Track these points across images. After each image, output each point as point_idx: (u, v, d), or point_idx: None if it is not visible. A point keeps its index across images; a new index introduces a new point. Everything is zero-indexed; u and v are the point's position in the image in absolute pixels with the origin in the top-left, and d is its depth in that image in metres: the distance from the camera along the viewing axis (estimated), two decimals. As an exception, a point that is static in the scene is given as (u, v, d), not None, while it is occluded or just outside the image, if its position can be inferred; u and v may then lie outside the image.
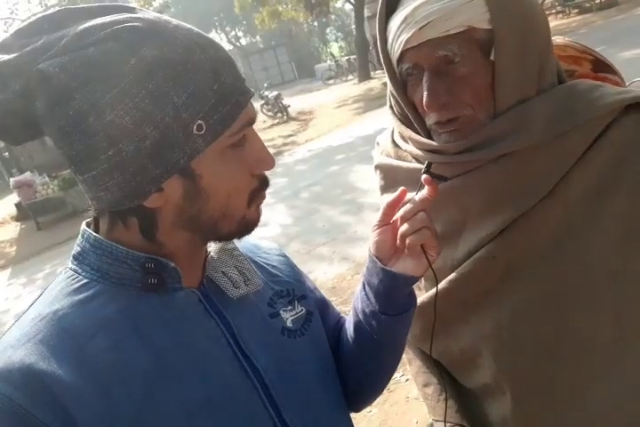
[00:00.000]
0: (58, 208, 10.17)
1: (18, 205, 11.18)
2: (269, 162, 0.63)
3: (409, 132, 0.84)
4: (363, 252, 4.31)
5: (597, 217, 0.75)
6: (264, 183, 0.65)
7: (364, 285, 0.76)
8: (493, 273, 0.80)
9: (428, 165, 0.74)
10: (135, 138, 0.54)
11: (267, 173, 0.65)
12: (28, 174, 10.73)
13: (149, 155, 0.55)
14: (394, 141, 0.93)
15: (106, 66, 0.53)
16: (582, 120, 0.73)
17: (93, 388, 0.55)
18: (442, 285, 0.83)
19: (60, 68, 0.53)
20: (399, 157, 0.91)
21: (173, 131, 0.55)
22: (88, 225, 0.65)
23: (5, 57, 0.56)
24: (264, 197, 0.66)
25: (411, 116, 0.83)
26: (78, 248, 0.64)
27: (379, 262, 0.72)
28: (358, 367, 0.81)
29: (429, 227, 0.70)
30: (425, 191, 0.71)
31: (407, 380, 2.62)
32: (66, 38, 0.55)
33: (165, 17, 0.59)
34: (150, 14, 0.59)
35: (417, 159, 0.86)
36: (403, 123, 0.86)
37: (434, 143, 0.80)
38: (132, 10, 0.59)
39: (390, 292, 0.72)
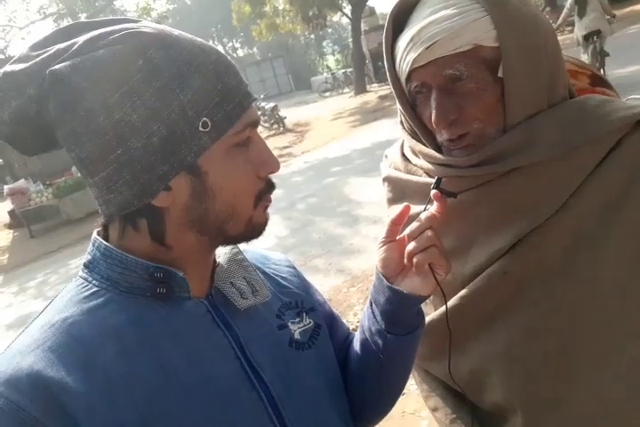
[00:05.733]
0: (52, 216, 10.12)
1: (11, 213, 11.11)
2: (274, 164, 0.65)
3: (420, 147, 0.84)
4: (358, 264, 4.32)
5: (609, 232, 0.74)
6: (270, 186, 0.66)
7: (370, 302, 0.75)
8: (504, 289, 0.79)
9: (438, 180, 0.73)
10: (143, 135, 0.56)
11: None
12: (22, 182, 10.69)
13: (157, 151, 0.56)
14: (403, 155, 0.93)
15: (115, 66, 0.56)
16: (594, 135, 0.73)
17: (99, 396, 0.55)
18: (452, 301, 0.82)
19: (72, 68, 0.55)
20: (409, 171, 0.91)
21: (180, 127, 0.57)
22: (98, 233, 0.66)
23: (22, 65, 0.59)
24: (270, 201, 0.66)
25: (419, 132, 0.83)
26: (89, 256, 0.64)
27: (385, 280, 0.71)
28: (364, 385, 0.79)
29: (437, 245, 0.68)
30: (433, 208, 0.70)
31: (403, 394, 2.60)
32: (77, 44, 0.58)
33: (169, 28, 0.62)
34: (155, 25, 0.62)
35: (428, 174, 0.86)
36: (413, 138, 0.86)
37: (444, 157, 0.80)
38: (138, 21, 0.62)
39: (397, 311, 0.71)
